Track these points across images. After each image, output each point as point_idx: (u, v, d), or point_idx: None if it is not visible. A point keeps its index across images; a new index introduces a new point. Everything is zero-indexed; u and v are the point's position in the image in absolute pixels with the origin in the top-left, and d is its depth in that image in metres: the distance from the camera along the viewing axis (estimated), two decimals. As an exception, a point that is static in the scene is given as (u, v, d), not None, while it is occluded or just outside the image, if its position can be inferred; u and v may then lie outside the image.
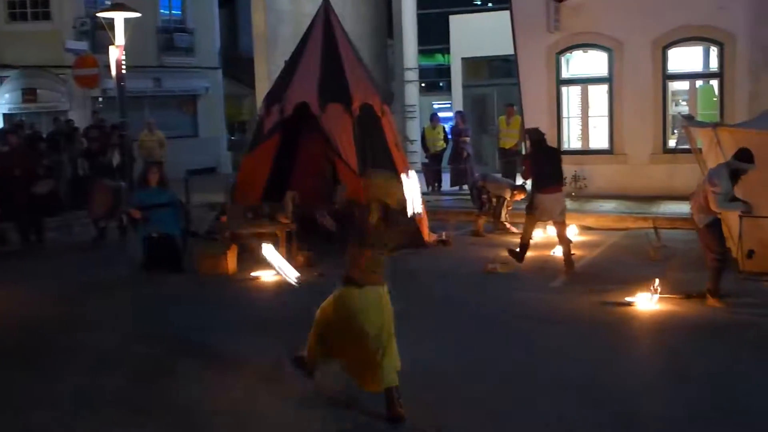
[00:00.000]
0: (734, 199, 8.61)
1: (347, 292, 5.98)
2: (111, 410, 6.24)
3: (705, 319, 8.28)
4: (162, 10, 26.62)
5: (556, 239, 10.96)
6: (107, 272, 11.48)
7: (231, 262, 11.01)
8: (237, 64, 29.77)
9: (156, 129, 18.52)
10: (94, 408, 6.27)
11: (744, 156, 8.56)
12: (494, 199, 13.43)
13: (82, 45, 21.28)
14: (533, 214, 10.55)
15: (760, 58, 14.92)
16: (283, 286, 9.57)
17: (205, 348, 7.68)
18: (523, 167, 11.40)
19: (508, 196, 13.33)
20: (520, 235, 11.13)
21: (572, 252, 10.59)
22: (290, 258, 10.87)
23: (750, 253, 9.32)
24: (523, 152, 17.59)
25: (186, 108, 27.73)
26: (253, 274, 10.64)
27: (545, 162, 10.49)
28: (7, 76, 22.94)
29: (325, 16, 12.82)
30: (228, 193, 13.53)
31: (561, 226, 10.54)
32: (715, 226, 8.72)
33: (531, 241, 10.87)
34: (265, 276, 10.49)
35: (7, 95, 23.02)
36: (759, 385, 6.45)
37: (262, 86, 19.28)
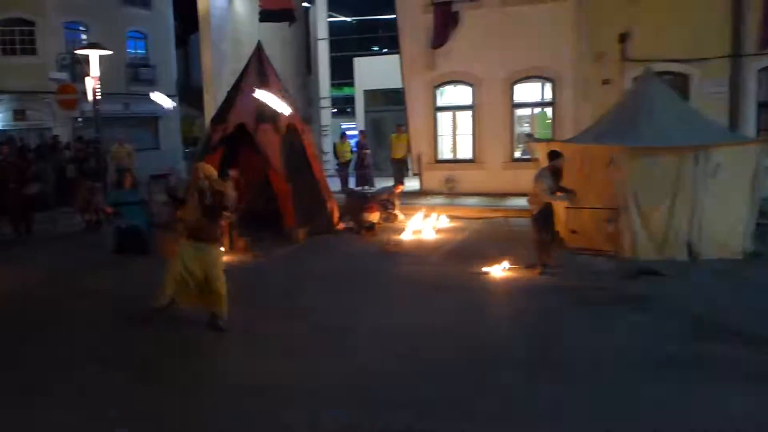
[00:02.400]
0: (559, 191, 8.88)
1: (183, 243, 6.88)
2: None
3: (540, 283, 8.57)
4: (129, 50, 26.04)
5: (426, 226, 12.25)
6: (84, 257, 11.00)
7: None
8: (190, 92, 29.07)
9: (125, 143, 17.84)
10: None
11: (553, 155, 8.91)
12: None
13: (64, 75, 20.39)
14: None
15: (580, 91, 15.45)
16: (231, 264, 9.37)
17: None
18: None
19: (386, 196, 13.67)
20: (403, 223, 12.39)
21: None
22: (232, 243, 10.75)
23: (573, 232, 9.75)
24: (409, 162, 17.77)
25: (149, 126, 26.99)
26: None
27: None
28: (1, 100, 21.87)
29: (259, 57, 12.63)
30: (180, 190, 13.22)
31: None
32: (542, 216, 8.95)
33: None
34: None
35: (1, 115, 21.91)
36: (576, 330, 6.74)
37: (210, 110, 18.79)
